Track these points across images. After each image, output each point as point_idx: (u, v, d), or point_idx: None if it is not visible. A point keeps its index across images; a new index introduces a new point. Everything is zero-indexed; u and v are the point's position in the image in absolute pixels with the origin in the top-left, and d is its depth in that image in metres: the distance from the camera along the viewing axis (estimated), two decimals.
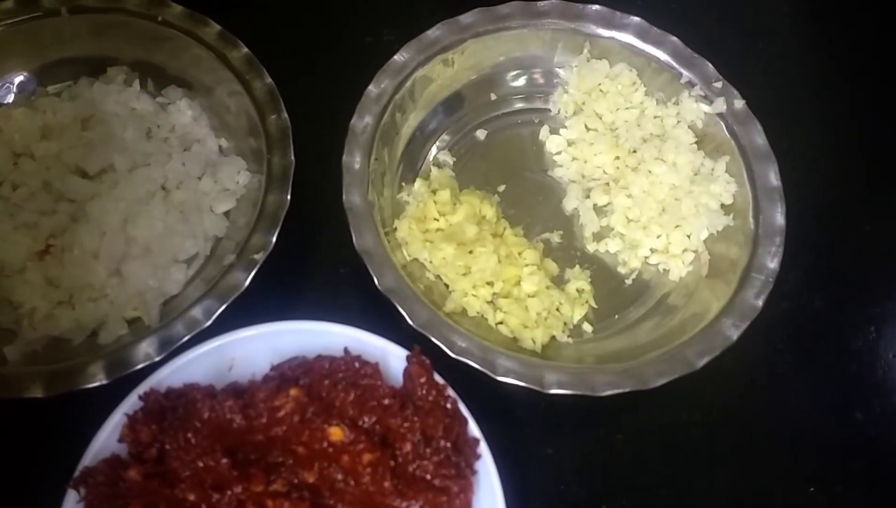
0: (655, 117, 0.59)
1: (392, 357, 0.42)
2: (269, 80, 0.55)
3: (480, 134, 0.61)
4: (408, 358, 0.41)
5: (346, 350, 0.42)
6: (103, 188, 0.52)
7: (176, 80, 0.58)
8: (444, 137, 0.60)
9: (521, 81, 0.62)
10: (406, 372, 0.41)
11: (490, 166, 0.60)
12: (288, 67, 0.56)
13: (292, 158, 0.52)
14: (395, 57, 0.56)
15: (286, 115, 0.53)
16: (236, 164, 0.55)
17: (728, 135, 0.57)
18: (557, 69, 0.61)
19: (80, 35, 0.57)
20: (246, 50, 0.55)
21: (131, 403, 0.39)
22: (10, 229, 0.50)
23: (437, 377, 0.41)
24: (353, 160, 0.52)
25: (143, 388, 0.40)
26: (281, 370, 0.40)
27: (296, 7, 0.66)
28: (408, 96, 0.57)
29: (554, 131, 0.61)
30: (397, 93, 0.56)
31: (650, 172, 0.56)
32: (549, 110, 0.62)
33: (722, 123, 0.57)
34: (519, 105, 0.62)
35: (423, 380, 0.40)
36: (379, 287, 0.48)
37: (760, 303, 0.50)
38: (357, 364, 0.40)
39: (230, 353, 0.42)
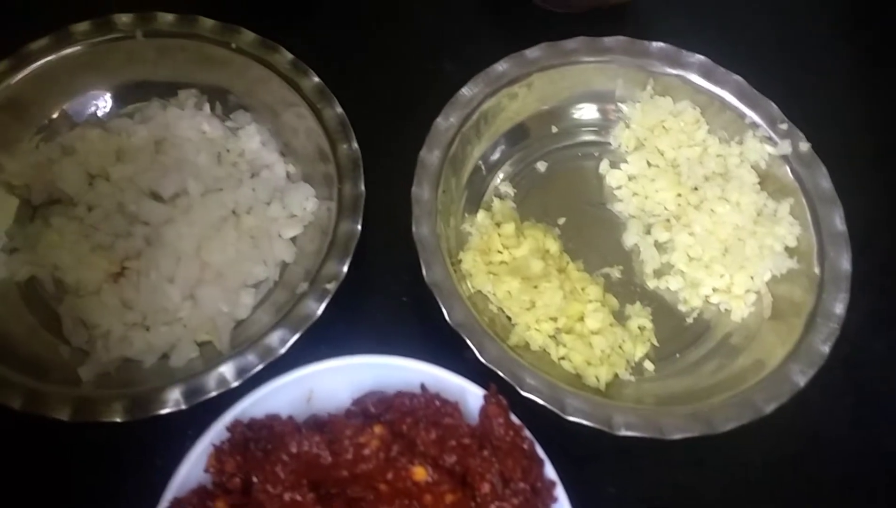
0: (718, 156, 0.59)
1: (467, 395, 0.43)
2: (339, 109, 0.55)
3: (541, 166, 0.61)
4: (485, 398, 0.41)
5: (422, 387, 0.42)
6: (177, 213, 0.53)
7: (245, 104, 0.59)
8: (506, 168, 0.61)
9: (583, 115, 0.62)
10: (483, 412, 0.41)
11: (550, 199, 0.60)
12: (348, 93, 0.57)
13: (363, 188, 0.53)
14: (463, 90, 0.57)
15: (356, 145, 0.54)
16: (304, 190, 0.56)
17: (792, 177, 0.57)
18: (619, 104, 0.62)
19: (152, 58, 0.58)
20: (317, 79, 0.56)
21: (216, 433, 0.40)
22: (86, 251, 0.51)
23: (514, 418, 0.41)
24: (422, 192, 0.53)
25: (228, 418, 0.40)
26: (363, 405, 0.41)
27: (358, 35, 0.66)
28: (474, 129, 0.57)
29: (614, 165, 0.61)
30: (464, 125, 0.57)
31: (713, 211, 0.57)
32: (610, 144, 0.62)
33: (786, 164, 0.57)
34: (579, 138, 0.62)
35: (500, 420, 0.40)
36: (449, 321, 0.48)
37: (827, 349, 0.50)
38: (437, 403, 0.40)
39: (309, 384, 0.43)
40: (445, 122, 0.56)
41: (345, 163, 0.54)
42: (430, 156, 0.54)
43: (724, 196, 0.57)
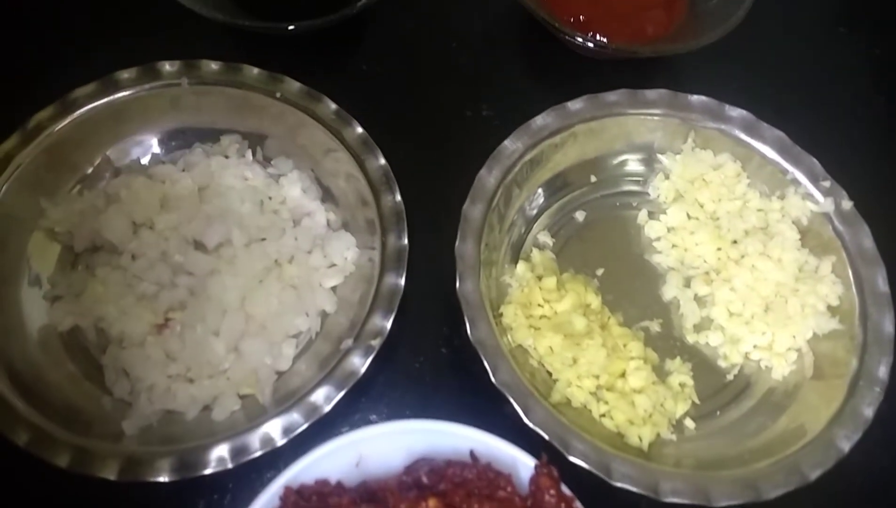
0: (759, 210, 0.59)
1: (518, 463, 0.42)
2: (383, 160, 0.56)
3: (579, 215, 0.61)
4: (536, 468, 0.41)
5: (472, 455, 0.42)
6: (222, 264, 0.53)
7: (286, 150, 0.60)
8: (545, 217, 0.61)
9: (623, 165, 0.62)
10: (534, 482, 0.41)
11: (589, 249, 0.60)
12: (391, 142, 0.57)
13: (406, 241, 0.53)
14: (506, 143, 0.57)
15: (400, 197, 0.54)
16: (345, 239, 0.56)
17: (834, 234, 0.57)
18: (659, 155, 0.62)
19: (196, 104, 0.58)
20: (361, 130, 0.57)
21: (269, 498, 0.40)
22: (132, 302, 0.52)
23: (565, 489, 0.41)
24: (466, 247, 0.53)
25: (279, 485, 0.40)
26: (415, 475, 0.41)
27: (402, 85, 0.67)
28: (516, 181, 0.57)
29: (653, 216, 0.61)
30: (507, 177, 0.57)
31: (754, 266, 0.57)
32: (649, 194, 0.62)
33: (828, 221, 0.57)
34: (619, 188, 0.63)
35: (552, 492, 0.40)
36: (494, 382, 0.48)
37: (871, 414, 0.50)
38: (491, 475, 0.40)
39: (359, 449, 0.43)
40: (489, 175, 0.56)
41: (388, 215, 0.54)
42: (474, 210, 0.54)
43: (766, 252, 0.57)
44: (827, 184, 0.57)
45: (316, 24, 0.58)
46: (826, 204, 0.57)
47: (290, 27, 0.59)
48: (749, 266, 0.57)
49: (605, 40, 0.61)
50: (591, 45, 0.61)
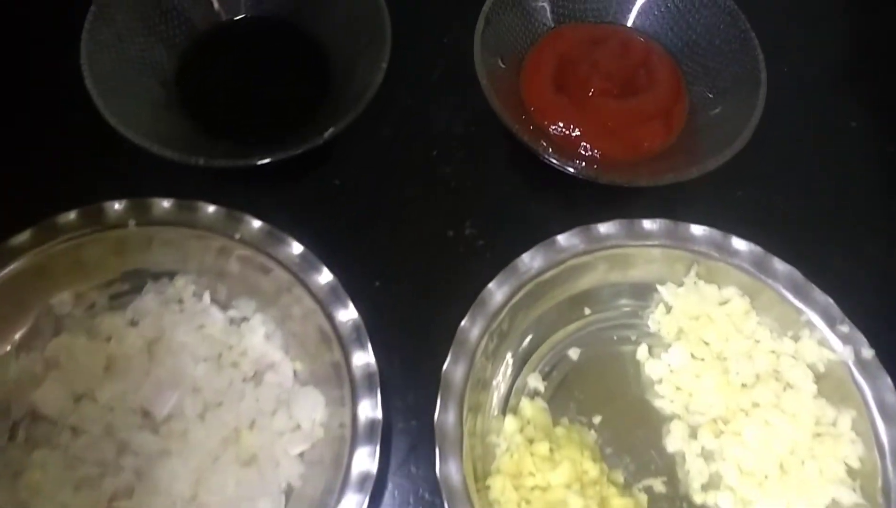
0: (771, 352, 0.54)
1: None
2: (355, 314, 0.50)
3: (573, 353, 0.56)
4: None
5: None
6: (172, 442, 0.47)
7: (248, 291, 0.54)
8: (535, 357, 0.55)
9: (619, 296, 0.57)
10: None
11: (584, 392, 0.55)
12: (358, 273, 0.53)
13: (380, 414, 0.47)
14: (490, 286, 0.52)
15: (374, 359, 0.49)
16: (313, 397, 0.50)
17: (853, 385, 0.51)
18: (659, 286, 0.56)
19: (146, 247, 0.53)
20: (331, 277, 0.51)
21: None
22: (70, 490, 0.46)
23: None
24: (447, 419, 0.47)
25: None
26: None
27: (372, 226, 0.60)
28: (500, 329, 0.52)
29: (654, 352, 0.56)
30: (491, 325, 0.51)
31: (767, 421, 0.51)
32: (648, 326, 0.57)
33: (847, 369, 0.52)
34: (615, 321, 0.57)
35: None
36: None
37: None
38: None
39: None
40: (472, 326, 0.50)
41: (360, 380, 0.48)
42: (456, 371, 0.49)
43: (780, 405, 0.52)
44: (845, 329, 0.52)
45: (277, 160, 0.52)
46: (845, 352, 0.51)
47: (261, 161, 0.52)
48: (761, 420, 0.51)
49: (595, 171, 0.55)
50: (578, 175, 0.56)
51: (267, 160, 0.52)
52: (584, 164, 0.57)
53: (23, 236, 0.50)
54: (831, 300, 0.53)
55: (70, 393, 0.48)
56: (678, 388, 0.55)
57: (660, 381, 0.55)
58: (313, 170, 0.61)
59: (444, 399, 0.48)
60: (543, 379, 0.54)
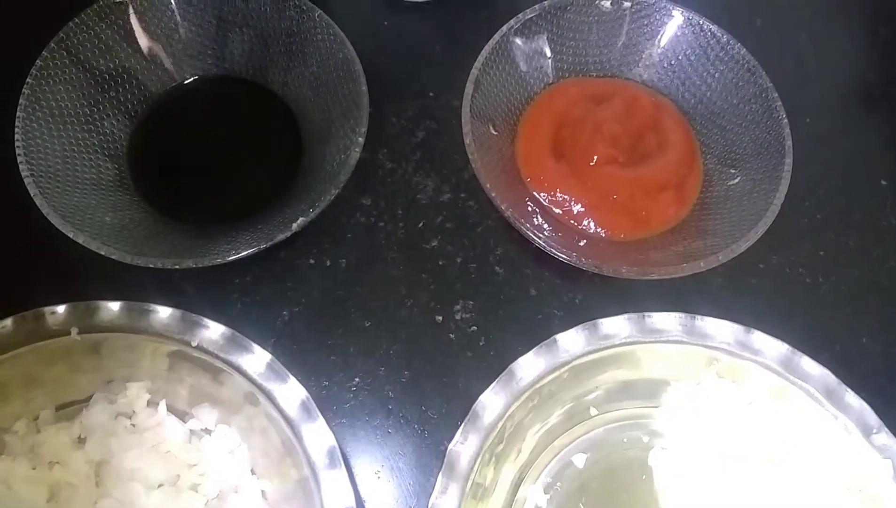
0: (798, 461, 0.48)
1: None
2: (330, 438, 0.44)
3: (578, 460, 0.50)
4: None
5: None
6: None
7: (209, 399, 0.48)
8: (536, 468, 0.49)
9: (629, 395, 0.51)
10: None
11: (591, 505, 0.49)
12: (334, 390, 0.48)
13: None
14: (483, 398, 0.45)
15: (348, 478, 0.43)
16: None
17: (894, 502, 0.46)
18: (674, 382, 0.50)
19: (94, 357, 0.46)
20: (303, 393, 0.44)
21: None
22: None
23: None
24: None
25: None
26: None
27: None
28: (494, 447, 0.46)
29: (667, 457, 0.50)
30: (487, 441, 0.45)
31: None
32: (661, 428, 0.51)
33: (885, 483, 0.46)
34: (625, 421, 0.51)
35: None
36: None
37: None
38: None
39: None
40: (463, 443, 0.44)
41: (334, 504, 0.42)
42: (446, 502, 0.43)
43: None
44: (883, 439, 0.46)
45: (247, 254, 0.46)
46: (884, 468, 0.46)
47: (227, 259, 0.46)
48: None
49: (597, 263, 0.48)
50: (579, 267, 0.49)
51: (233, 257, 0.46)
52: (585, 242, 0.51)
53: None
54: (867, 406, 0.47)
55: None
56: (694, 497, 0.49)
57: (674, 489, 0.49)
58: (282, 249, 0.54)
59: None
60: (545, 492, 0.49)
